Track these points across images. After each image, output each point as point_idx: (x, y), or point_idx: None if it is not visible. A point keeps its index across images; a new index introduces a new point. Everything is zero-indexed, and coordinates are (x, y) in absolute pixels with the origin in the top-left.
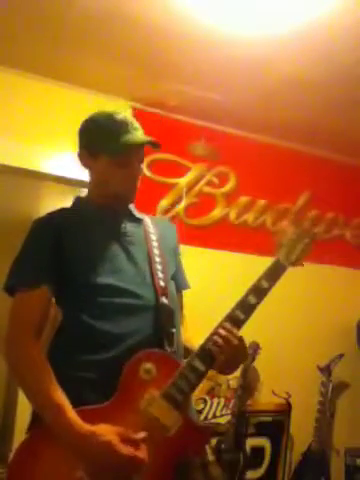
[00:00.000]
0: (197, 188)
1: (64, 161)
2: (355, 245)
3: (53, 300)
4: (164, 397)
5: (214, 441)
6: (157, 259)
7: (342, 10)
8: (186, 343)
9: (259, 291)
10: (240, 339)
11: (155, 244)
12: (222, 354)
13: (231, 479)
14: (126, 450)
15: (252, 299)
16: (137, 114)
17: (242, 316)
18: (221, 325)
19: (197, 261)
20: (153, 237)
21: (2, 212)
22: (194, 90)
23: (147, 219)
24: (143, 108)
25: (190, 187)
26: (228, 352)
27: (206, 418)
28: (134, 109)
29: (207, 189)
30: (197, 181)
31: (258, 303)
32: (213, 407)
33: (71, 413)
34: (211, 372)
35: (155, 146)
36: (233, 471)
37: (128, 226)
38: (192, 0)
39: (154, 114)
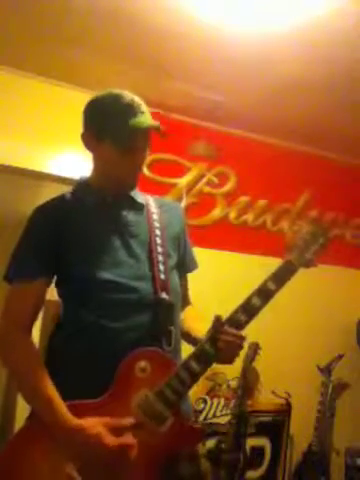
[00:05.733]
0: (197, 188)
1: (64, 161)
2: (355, 245)
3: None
4: (156, 396)
5: (214, 441)
6: (159, 249)
7: (342, 10)
8: (185, 325)
9: (265, 293)
10: (243, 341)
11: (158, 232)
12: (222, 357)
13: (231, 479)
14: (114, 441)
15: (257, 302)
16: None
17: (245, 319)
18: (224, 330)
19: (197, 261)
20: (156, 224)
21: (2, 212)
22: (194, 90)
23: (151, 202)
24: None
25: (190, 187)
26: (228, 355)
27: (206, 418)
28: None
29: (207, 189)
30: (197, 181)
31: (262, 306)
32: (213, 407)
33: (61, 407)
34: (210, 372)
35: (161, 134)
36: (233, 471)
37: (130, 215)
38: (192, 0)
39: (154, 114)
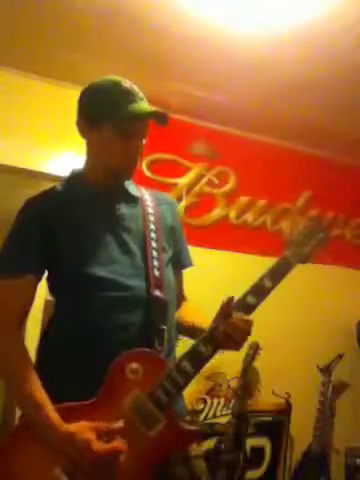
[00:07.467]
0: (197, 188)
1: (63, 161)
2: (355, 245)
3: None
4: (148, 397)
5: (213, 441)
6: (154, 244)
7: (343, 10)
8: (187, 319)
9: (260, 291)
10: (249, 324)
11: (152, 227)
12: (228, 342)
13: (231, 479)
14: (102, 446)
15: (251, 300)
16: None
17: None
18: (232, 315)
19: (197, 261)
20: (151, 218)
21: (2, 212)
22: (194, 90)
23: (146, 195)
24: None
25: (190, 187)
26: (235, 341)
27: (206, 418)
28: None
29: (207, 189)
30: (197, 181)
31: (257, 304)
32: (213, 407)
33: (50, 411)
34: (210, 372)
35: (162, 120)
36: (233, 471)
37: (123, 209)
38: (192, 0)
39: None
